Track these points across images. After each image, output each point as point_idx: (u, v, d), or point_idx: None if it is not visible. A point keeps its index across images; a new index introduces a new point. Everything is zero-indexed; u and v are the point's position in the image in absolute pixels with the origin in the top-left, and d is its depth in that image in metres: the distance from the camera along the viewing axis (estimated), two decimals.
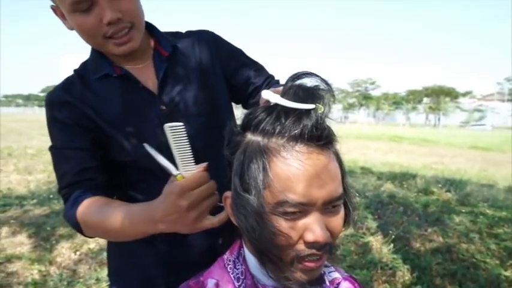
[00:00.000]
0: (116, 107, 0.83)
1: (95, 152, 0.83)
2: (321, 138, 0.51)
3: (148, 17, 0.86)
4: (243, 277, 0.59)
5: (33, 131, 16.39)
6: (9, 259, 2.89)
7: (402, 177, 6.09)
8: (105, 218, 0.74)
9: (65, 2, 0.73)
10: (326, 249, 0.54)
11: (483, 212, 3.93)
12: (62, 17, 0.79)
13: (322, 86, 0.54)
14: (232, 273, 0.60)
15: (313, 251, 0.52)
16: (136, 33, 0.80)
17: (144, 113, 0.84)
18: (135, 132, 0.83)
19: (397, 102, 60.79)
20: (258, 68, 0.97)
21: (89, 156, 0.82)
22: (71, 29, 0.79)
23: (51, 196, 4.67)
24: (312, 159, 0.50)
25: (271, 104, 0.54)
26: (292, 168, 0.50)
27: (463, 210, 4.03)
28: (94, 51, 0.86)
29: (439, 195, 4.87)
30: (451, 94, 56.71)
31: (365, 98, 64.12)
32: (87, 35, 0.78)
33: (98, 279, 2.65)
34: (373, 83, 65.02)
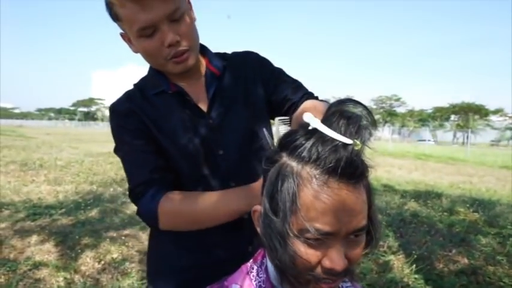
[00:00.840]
0: (170, 121, 0.93)
1: (161, 154, 0.93)
2: (353, 175, 0.52)
3: None
4: (264, 286, 0.63)
5: (64, 143, 16.99)
6: (37, 266, 3.02)
7: (427, 196, 5.93)
8: (196, 203, 0.87)
9: (132, 29, 0.83)
10: (342, 275, 0.56)
11: None
12: (129, 41, 0.90)
13: (365, 117, 0.54)
14: (254, 281, 0.64)
15: (330, 275, 0.55)
16: (192, 53, 0.89)
17: (195, 127, 0.93)
18: (184, 145, 0.92)
19: (423, 119, 59.80)
20: (297, 86, 1.02)
21: (158, 157, 0.92)
22: (136, 52, 0.91)
23: (78, 206, 4.85)
24: (341, 194, 0.51)
25: (311, 128, 0.55)
26: (320, 201, 0.51)
27: (491, 232, 3.88)
28: (152, 69, 0.96)
29: (465, 215, 4.70)
30: (481, 111, 54.92)
31: (390, 115, 63.30)
32: (150, 56, 0.88)
33: None
34: (398, 100, 64.27)
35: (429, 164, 14.29)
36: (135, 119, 0.92)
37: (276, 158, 0.57)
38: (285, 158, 0.56)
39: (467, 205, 5.18)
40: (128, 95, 0.96)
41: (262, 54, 1.06)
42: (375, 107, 65.02)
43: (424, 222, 4.27)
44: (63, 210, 4.64)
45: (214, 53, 1.02)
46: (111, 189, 6.07)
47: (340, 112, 0.54)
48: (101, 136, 25.89)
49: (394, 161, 14.22)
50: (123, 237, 3.68)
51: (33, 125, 74.00)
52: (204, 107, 0.94)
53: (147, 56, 0.89)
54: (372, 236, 0.60)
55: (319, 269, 0.55)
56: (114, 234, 3.78)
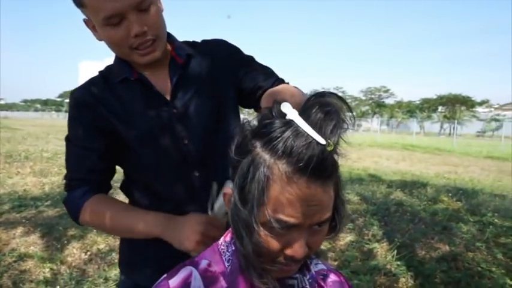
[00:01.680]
0: (133, 109, 0.92)
1: (106, 154, 0.93)
2: (322, 175, 0.53)
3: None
4: (231, 258, 0.65)
5: (50, 135, 16.78)
6: (22, 258, 3.01)
7: (412, 186, 6.03)
8: (116, 215, 0.90)
9: (98, 16, 0.81)
10: (302, 260, 0.60)
11: (492, 221, 3.87)
12: (93, 29, 0.88)
13: (343, 113, 0.54)
14: (224, 256, 0.67)
15: (290, 261, 0.58)
16: (159, 44, 0.88)
17: (158, 115, 0.92)
18: (147, 132, 0.92)
19: (411, 110, 60.00)
20: (267, 72, 1.02)
21: (100, 158, 0.92)
22: (100, 40, 0.89)
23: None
24: (308, 191, 0.52)
25: (287, 118, 0.54)
26: (287, 196, 0.53)
27: (471, 220, 3.98)
28: (118, 57, 0.95)
29: (448, 204, 4.81)
30: (467, 103, 55.66)
31: (378, 106, 63.31)
32: (115, 45, 0.87)
33: (106, 279, 2.73)
34: (386, 91, 64.31)
35: (416, 154, 14.51)
36: (90, 112, 0.91)
37: (249, 148, 0.57)
38: (258, 149, 0.55)
39: (451, 194, 5.29)
40: (91, 83, 0.95)
41: (246, 48, 1.05)
42: (364, 98, 65.09)
43: (408, 211, 4.35)
44: (49, 202, 4.60)
45: (181, 42, 1.00)
46: None
47: (319, 105, 0.53)
48: None
49: (382, 152, 14.37)
50: None
51: (18, 116, 72.65)
52: (167, 95, 0.93)
53: (112, 45, 0.87)
54: (336, 222, 0.62)
55: (281, 257, 0.58)
56: None
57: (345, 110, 0.55)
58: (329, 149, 0.51)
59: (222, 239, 0.70)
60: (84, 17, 0.87)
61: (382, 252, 3.14)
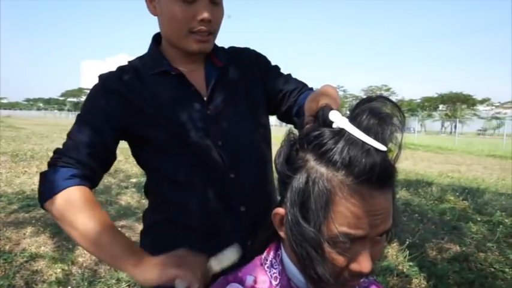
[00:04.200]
0: (166, 102, 0.89)
1: (113, 146, 0.89)
2: (387, 182, 0.51)
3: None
4: (280, 277, 0.63)
5: (54, 134, 16.77)
6: (34, 258, 3.00)
7: (417, 185, 6.03)
8: (95, 221, 0.79)
9: None
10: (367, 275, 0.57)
11: (501, 221, 3.87)
12: (151, 1, 0.88)
13: (396, 117, 0.53)
14: (269, 272, 0.64)
15: (356, 277, 0.56)
16: (213, 39, 0.90)
17: (192, 114, 0.90)
18: (183, 130, 0.88)
19: (412, 109, 60.13)
20: (290, 78, 1.04)
21: (105, 148, 0.87)
22: (155, 14, 0.89)
23: None
24: (372, 200, 0.51)
25: (336, 127, 0.52)
26: (353, 208, 0.50)
27: (480, 219, 3.98)
28: (154, 49, 0.94)
29: (455, 203, 4.81)
30: (468, 101, 55.64)
31: None
32: (177, 22, 0.85)
33: (118, 280, 2.72)
34: (388, 90, 64.03)
35: (418, 153, 14.48)
36: (113, 99, 0.87)
37: (301, 163, 0.55)
38: (312, 163, 0.53)
39: (457, 193, 5.29)
40: (121, 71, 0.92)
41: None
42: (364, 97, 65.13)
43: (416, 211, 4.35)
44: None
45: (217, 46, 1.01)
46: (105, 181, 5.95)
47: (370, 110, 0.52)
48: None
49: None
50: (119, 228, 3.60)
51: (21, 115, 72.64)
52: (204, 96, 0.92)
53: (173, 21, 0.85)
54: (389, 231, 0.60)
55: (346, 273, 0.55)
56: None
57: (396, 113, 0.53)
58: (390, 155, 0.51)
59: (265, 253, 0.67)
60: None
61: (393, 253, 3.13)
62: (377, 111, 0.51)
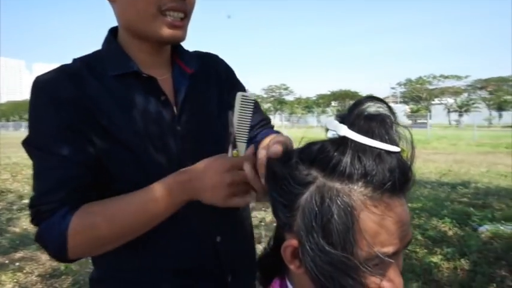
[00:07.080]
0: (130, 113, 0.71)
1: (91, 163, 0.70)
2: (407, 186, 0.47)
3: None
4: None
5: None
6: None
7: None
8: (114, 211, 0.67)
9: None
10: None
11: None
12: None
13: (393, 115, 0.48)
14: None
15: None
16: (187, 24, 0.73)
17: (160, 127, 0.74)
18: (150, 149, 0.73)
19: (308, 106, 65.12)
20: (257, 105, 0.90)
21: (86, 171, 0.69)
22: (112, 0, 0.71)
23: None
24: (396, 210, 0.46)
25: (336, 135, 0.47)
26: (380, 221, 0.46)
27: None
28: (114, 44, 0.74)
29: None
30: (355, 97, 63.42)
31: (279, 103, 66.71)
32: (142, 2, 0.69)
33: None
34: (286, 89, 68.23)
35: None
36: (73, 110, 0.68)
37: (308, 180, 0.48)
38: (321, 179, 0.47)
39: None
40: (69, 73, 0.71)
41: None
42: (265, 96, 67.84)
43: None
44: None
45: (182, 47, 0.85)
46: None
47: (365, 113, 0.48)
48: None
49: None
50: (16, 263, 3.08)
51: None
52: (175, 108, 0.77)
53: (137, 1, 0.69)
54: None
55: None
56: (5, 260, 3.15)
57: (389, 111, 0.49)
58: (404, 154, 0.47)
59: None
60: None
61: None
62: (373, 113, 0.48)
